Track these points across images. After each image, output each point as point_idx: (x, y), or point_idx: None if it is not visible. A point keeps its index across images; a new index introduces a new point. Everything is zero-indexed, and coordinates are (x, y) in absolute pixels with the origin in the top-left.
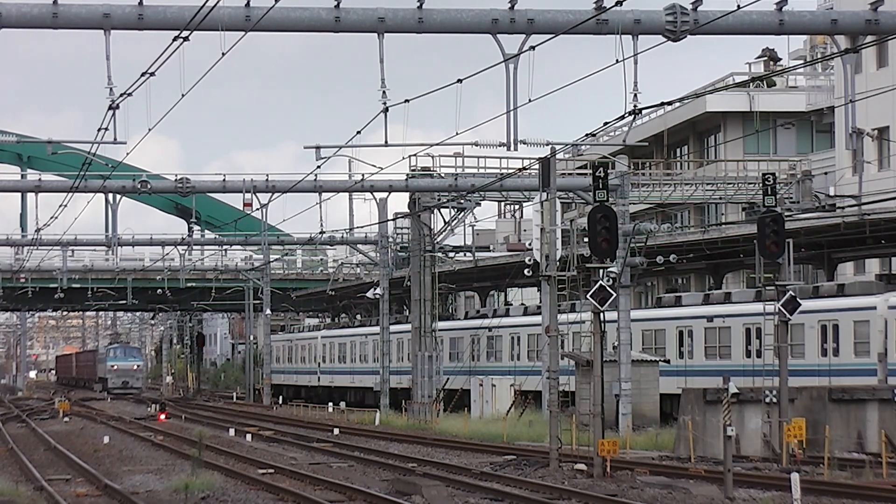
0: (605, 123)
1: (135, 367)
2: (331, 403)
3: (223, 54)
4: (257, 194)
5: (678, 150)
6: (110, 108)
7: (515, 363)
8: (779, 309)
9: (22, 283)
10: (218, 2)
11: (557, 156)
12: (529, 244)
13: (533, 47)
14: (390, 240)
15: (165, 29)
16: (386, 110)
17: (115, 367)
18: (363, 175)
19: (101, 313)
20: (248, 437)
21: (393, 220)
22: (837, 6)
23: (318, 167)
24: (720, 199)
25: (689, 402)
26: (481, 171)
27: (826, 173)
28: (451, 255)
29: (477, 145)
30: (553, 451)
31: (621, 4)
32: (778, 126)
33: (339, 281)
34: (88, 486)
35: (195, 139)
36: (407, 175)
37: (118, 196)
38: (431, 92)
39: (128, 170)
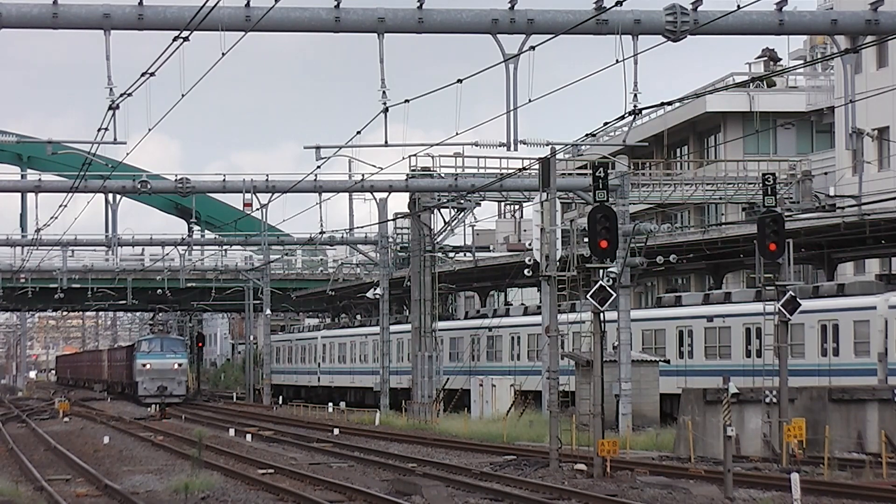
0: (605, 123)
1: (175, 365)
2: (331, 403)
3: (223, 54)
4: (257, 194)
5: (678, 151)
6: (110, 108)
7: (515, 363)
8: (779, 309)
9: (22, 283)
10: (218, 2)
11: (557, 156)
12: (529, 244)
13: (533, 47)
14: (390, 240)
15: (165, 29)
16: (386, 110)
17: (148, 367)
18: (363, 175)
19: (101, 313)
20: (248, 437)
21: (393, 220)
22: (837, 6)
23: (318, 167)
24: (720, 199)
25: (689, 402)
26: (481, 171)
27: (826, 173)
28: (451, 255)
29: (477, 145)
30: (553, 451)
31: (621, 4)
32: (778, 126)
33: (339, 281)
34: (88, 486)
35: (195, 139)
36: (407, 175)
37: (118, 196)
38: (431, 92)
39: (128, 170)
